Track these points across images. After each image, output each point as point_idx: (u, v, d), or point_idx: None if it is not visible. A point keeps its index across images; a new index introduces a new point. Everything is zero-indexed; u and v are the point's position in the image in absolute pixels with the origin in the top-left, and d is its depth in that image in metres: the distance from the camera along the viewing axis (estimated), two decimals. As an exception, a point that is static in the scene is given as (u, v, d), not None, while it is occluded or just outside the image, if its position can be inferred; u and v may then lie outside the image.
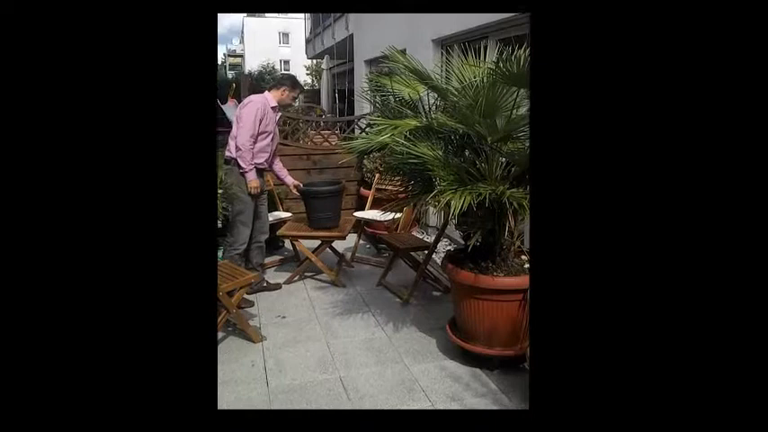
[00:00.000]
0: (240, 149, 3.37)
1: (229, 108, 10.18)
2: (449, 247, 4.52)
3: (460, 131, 2.58)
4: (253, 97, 3.53)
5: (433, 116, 2.71)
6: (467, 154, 2.72)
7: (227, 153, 3.50)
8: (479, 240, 2.53)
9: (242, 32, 42.25)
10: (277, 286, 3.79)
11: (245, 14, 38.31)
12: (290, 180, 3.92)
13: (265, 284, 3.75)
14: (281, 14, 35.43)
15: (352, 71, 9.75)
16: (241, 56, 41.18)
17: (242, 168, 3.42)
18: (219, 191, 3.18)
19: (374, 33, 7.46)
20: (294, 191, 3.96)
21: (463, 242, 2.84)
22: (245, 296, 3.42)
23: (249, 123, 3.40)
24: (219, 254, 4.45)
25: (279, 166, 3.90)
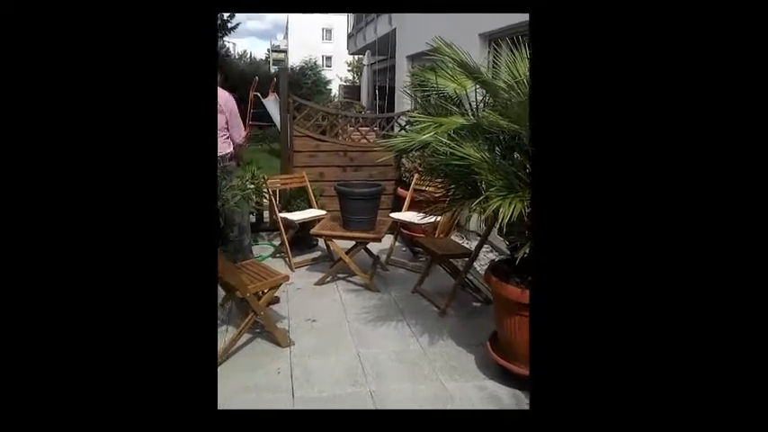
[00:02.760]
0: (243, 140, 3.56)
1: (269, 102, 10.19)
2: (490, 254, 4.29)
3: (510, 132, 2.36)
4: (225, 92, 3.51)
5: (481, 114, 2.50)
6: (516, 157, 2.49)
7: (229, 149, 3.50)
8: (527, 252, 2.30)
9: (286, 28, 42.75)
10: None
11: (289, 10, 38.88)
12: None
13: None
14: (323, 10, 35.71)
15: (393, 68, 9.57)
16: (285, 51, 41.67)
17: (242, 160, 3.57)
18: (252, 186, 3.05)
19: (418, 28, 7.26)
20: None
21: (507, 250, 2.62)
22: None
23: (241, 116, 3.53)
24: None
25: None
